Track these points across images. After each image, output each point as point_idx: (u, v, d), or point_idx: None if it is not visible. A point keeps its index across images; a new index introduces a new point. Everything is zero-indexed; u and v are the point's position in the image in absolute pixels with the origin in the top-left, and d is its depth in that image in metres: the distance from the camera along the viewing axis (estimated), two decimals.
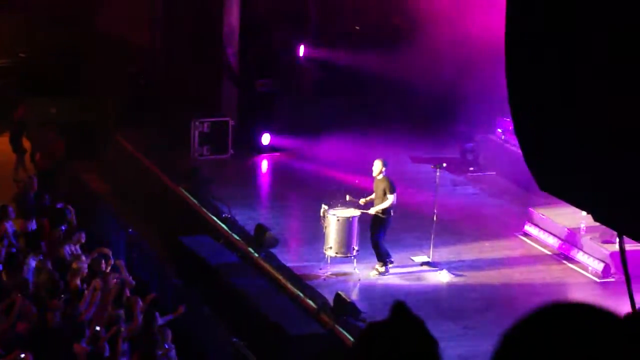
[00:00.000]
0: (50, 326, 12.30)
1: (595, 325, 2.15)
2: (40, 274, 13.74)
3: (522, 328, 2.21)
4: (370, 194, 16.26)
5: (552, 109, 3.30)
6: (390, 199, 15.98)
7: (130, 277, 14.25)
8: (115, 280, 13.61)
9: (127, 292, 13.57)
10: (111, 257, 14.43)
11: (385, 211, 16.10)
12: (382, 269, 16.39)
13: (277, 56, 23.62)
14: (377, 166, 16.18)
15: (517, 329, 2.22)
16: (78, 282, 13.65)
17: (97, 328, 12.35)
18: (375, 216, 16.17)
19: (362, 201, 16.21)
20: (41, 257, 14.25)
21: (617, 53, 3.04)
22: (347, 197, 16.26)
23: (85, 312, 12.76)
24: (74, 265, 13.90)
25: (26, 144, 21.65)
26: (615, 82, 3.07)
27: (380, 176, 16.14)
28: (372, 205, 16.16)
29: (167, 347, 12.36)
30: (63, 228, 15.53)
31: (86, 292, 13.30)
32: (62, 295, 13.17)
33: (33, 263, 14.09)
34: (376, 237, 16.24)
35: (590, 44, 3.11)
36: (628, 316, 2.54)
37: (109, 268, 14.11)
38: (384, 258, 16.37)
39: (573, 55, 3.18)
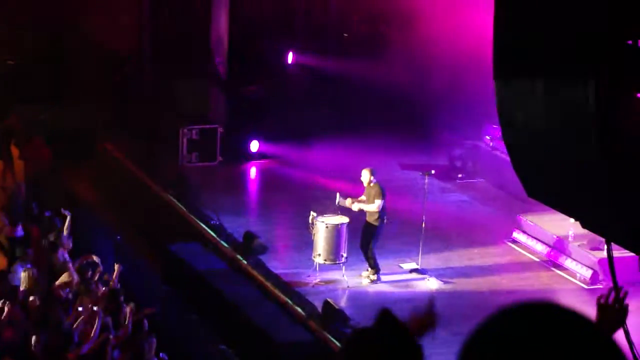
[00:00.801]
0: (38, 334, 12.25)
1: (557, 325, 2.15)
2: (27, 282, 13.69)
3: (485, 329, 2.21)
4: (360, 197, 16.30)
5: (540, 117, 3.31)
6: (377, 203, 15.99)
7: (119, 284, 14.21)
8: (104, 288, 13.57)
9: (121, 299, 13.49)
10: (100, 264, 14.38)
11: (377, 219, 16.11)
12: (374, 277, 16.38)
13: (265, 63, 23.62)
14: (366, 175, 16.22)
15: (479, 329, 2.22)
16: (67, 290, 13.60)
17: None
18: (367, 224, 16.18)
19: (349, 200, 16.15)
20: (29, 265, 14.20)
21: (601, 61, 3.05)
22: (338, 196, 16.25)
23: (75, 322, 12.71)
24: (64, 275, 13.86)
25: (15, 151, 21.57)
26: (605, 87, 3.08)
27: (371, 184, 16.17)
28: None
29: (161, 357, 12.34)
30: (51, 235, 15.48)
31: (74, 300, 13.25)
32: (51, 303, 13.12)
33: (20, 270, 14.05)
34: (368, 244, 16.24)
35: (575, 50, 3.11)
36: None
37: (97, 276, 14.06)
38: (377, 266, 16.38)
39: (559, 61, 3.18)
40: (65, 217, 15.71)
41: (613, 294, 3.55)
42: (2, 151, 21.44)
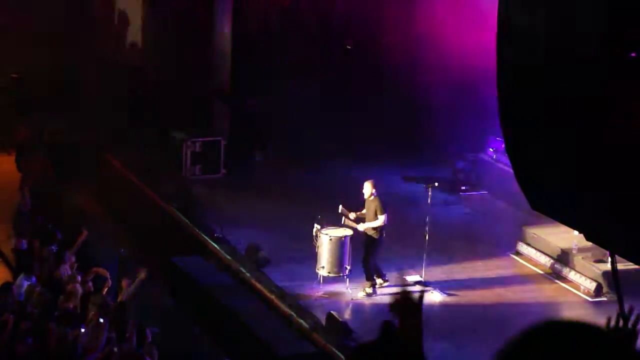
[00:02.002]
0: (45, 346, 12.27)
1: (587, 343, 2.14)
2: (32, 295, 13.70)
3: (516, 346, 2.20)
4: (362, 210, 16.32)
5: (543, 130, 3.31)
6: (381, 219, 16.05)
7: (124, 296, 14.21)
8: (111, 302, 13.58)
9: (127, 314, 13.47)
10: (108, 278, 14.37)
11: (377, 231, 16.14)
12: (371, 290, 16.39)
13: (269, 75, 23.63)
14: (367, 188, 16.25)
15: (510, 347, 2.21)
16: (73, 303, 13.61)
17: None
18: (368, 237, 16.21)
19: (352, 215, 16.24)
20: (34, 279, 14.21)
21: (608, 79, 3.06)
22: (340, 208, 16.29)
23: (80, 335, 12.71)
24: (69, 287, 13.86)
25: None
26: (608, 101, 3.08)
27: (372, 197, 16.20)
28: (362, 222, 16.23)
29: None
30: (54, 249, 15.48)
31: (80, 313, 13.25)
32: (56, 316, 13.12)
33: (25, 283, 14.06)
34: (368, 257, 16.26)
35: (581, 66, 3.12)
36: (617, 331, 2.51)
37: (106, 290, 14.05)
38: (373, 279, 16.38)
39: (562, 77, 3.19)
40: (80, 234, 15.65)
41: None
42: (20, 164, 21.44)
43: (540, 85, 3.28)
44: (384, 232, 16.21)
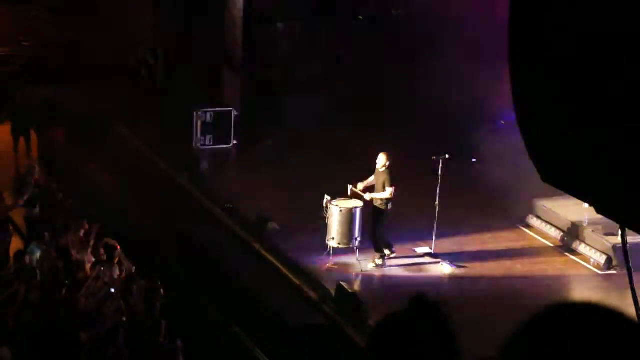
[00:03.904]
0: (55, 315, 12.32)
1: (606, 327, 2.08)
2: (43, 263, 13.75)
3: (530, 329, 2.16)
4: (369, 179, 16.31)
5: (555, 101, 3.29)
6: (388, 191, 16.04)
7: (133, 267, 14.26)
8: (120, 269, 13.63)
9: (136, 282, 13.50)
10: (118, 247, 14.41)
11: (384, 203, 16.13)
12: (380, 262, 16.41)
13: (280, 46, 23.58)
14: (382, 160, 16.21)
15: (524, 330, 2.17)
16: (83, 272, 13.66)
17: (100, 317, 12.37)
18: (376, 208, 16.20)
19: (360, 186, 16.21)
20: (45, 246, 14.26)
21: (619, 50, 3.03)
22: (350, 188, 16.29)
23: (87, 300, 12.77)
24: (78, 256, 13.91)
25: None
26: (618, 78, 3.06)
27: (383, 169, 16.17)
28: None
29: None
30: (66, 217, 15.53)
31: (90, 282, 13.31)
32: (66, 284, 13.18)
33: (36, 252, 14.11)
34: (376, 229, 16.27)
35: (593, 37, 3.09)
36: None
37: (117, 259, 14.09)
38: (382, 250, 16.39)
39: (576, 48, 3.16)
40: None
41: None
42: (18, 130, 21.40)
43: (560, 50, 3.24)
44: (390, 204, 16.21)
